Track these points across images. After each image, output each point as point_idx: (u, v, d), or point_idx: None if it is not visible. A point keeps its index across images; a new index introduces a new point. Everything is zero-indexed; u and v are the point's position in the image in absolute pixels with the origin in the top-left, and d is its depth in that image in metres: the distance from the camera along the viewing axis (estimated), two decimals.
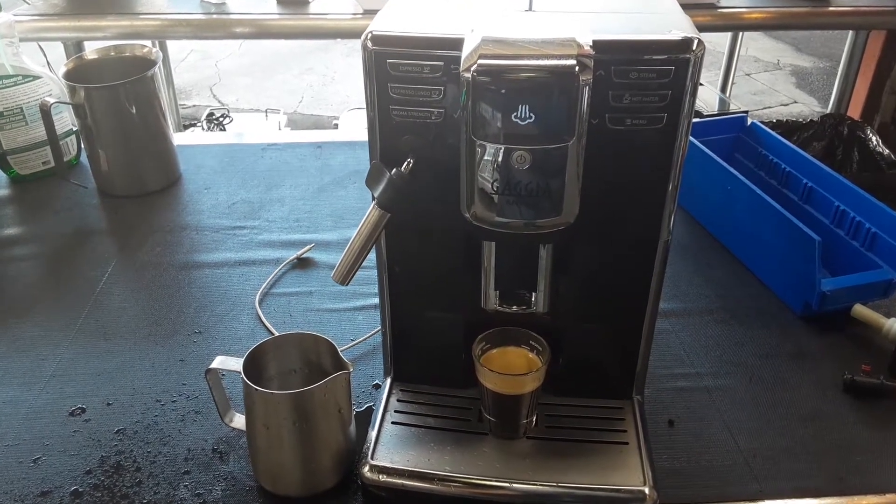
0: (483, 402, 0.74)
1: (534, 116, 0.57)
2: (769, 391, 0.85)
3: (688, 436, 0.79)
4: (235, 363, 0.70)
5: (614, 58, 0.59)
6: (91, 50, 1.21)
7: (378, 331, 0.91)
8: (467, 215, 0.63)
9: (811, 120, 1.40)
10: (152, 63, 1.16)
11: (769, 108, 3.80)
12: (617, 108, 0.61)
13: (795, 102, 3.87)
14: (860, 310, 0.91)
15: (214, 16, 1.74)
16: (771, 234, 0.97)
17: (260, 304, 0.98)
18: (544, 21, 0.65)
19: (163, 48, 2.41)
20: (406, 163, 0.64)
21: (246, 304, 0.98)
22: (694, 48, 0.59)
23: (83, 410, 0.82)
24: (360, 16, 1.72)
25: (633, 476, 0.69)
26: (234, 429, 0.76)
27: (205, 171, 1.28)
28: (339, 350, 0.71)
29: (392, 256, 0.73)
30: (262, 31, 1.78)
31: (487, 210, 0.62)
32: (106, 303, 0.98)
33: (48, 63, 1.85)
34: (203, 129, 2.44)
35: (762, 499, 0.73)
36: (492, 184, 0.60)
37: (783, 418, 0.81)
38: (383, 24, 0.64)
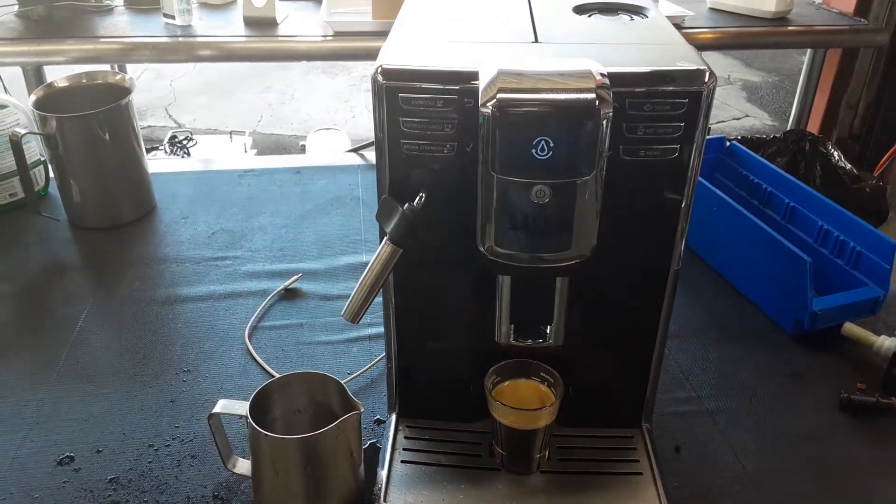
0: (495, 437, 0.72)
1: (554, 150, 0.56)
2: (770, 412, 0.85)
3: (695, 462, 0.79)
4: (241, 407, 0.67)
5: (629, 90, 0.59)
6: (61, 77, 1.16)
7: (377, 361, 0.89)
8: (482, 249, 0.62)
9: (774, 136, 1.43)
10: (126, 91, 1.13)
11: (722, 122, 3.89)
12: (631, 140, 0.61)
13: (747, 116, 3.97)
14: (851, 328, 0.92)
15: (179, 38, 1.70)
16: (759, 254, 0.99)
17: (249, 338, 0.95)
18: (554, 53, 0.65)
19: (121, 70, 2.35)
20: (418, 197, 0.63)
21: (235, 338, 0.95)
22: (706, 80, 0.60)
23: (72, 459, 0.77)
24: (329, 38, 1.70)
25: None
26: (235, 474, 0.73)
27: (181, 200, 1.25)
28: (347, 389, 0.69)
29: (400, 288, 0.71)
30: (228, 54, 1.75)
31: (504, 244, 0.61)
32: (86, 342, 0.94)
33: (4, 88, 1.79)
34: (166, 152, 2.38)
35: None
36: (509, 218, 0.59)
37: (786, 438, 0.82)
38: (391, 58, 0.62)
